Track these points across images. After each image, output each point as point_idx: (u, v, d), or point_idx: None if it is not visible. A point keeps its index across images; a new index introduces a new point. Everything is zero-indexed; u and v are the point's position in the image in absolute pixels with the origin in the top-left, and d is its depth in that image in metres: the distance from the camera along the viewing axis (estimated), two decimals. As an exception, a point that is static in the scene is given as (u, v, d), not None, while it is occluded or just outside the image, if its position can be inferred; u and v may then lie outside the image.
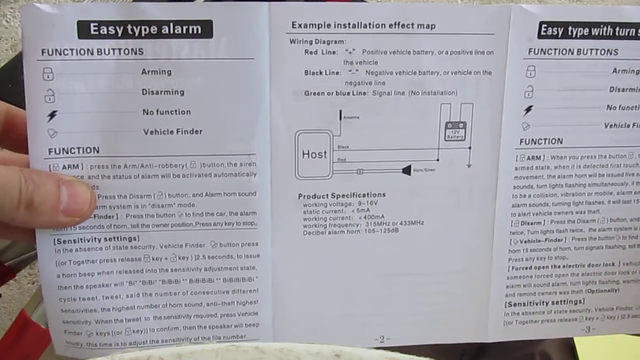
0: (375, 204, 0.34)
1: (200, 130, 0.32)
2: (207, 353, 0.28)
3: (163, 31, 0.31)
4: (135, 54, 0.31)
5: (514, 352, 0.55)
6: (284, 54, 0.32)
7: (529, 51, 0.33)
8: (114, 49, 0.31)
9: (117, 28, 0.31)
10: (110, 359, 0.29)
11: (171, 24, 0.31)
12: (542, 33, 0.33)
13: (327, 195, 0.34)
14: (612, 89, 0.34)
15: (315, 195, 0.34)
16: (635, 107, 0.35)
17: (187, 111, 0.32)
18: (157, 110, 0.32)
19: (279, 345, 0.28)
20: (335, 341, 0.35)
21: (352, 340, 0.36)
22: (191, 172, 0.33)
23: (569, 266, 0.36)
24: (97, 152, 0.32)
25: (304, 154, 0.33)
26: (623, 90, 0.34)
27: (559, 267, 0.36)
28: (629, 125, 0.35)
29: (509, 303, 0.36)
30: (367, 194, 0.34)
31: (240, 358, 0.27)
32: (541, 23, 0.33)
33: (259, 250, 0.34)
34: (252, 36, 0.32)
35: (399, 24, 0.32)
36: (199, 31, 0.31)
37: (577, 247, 0.36)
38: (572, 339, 0.54)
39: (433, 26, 0.33)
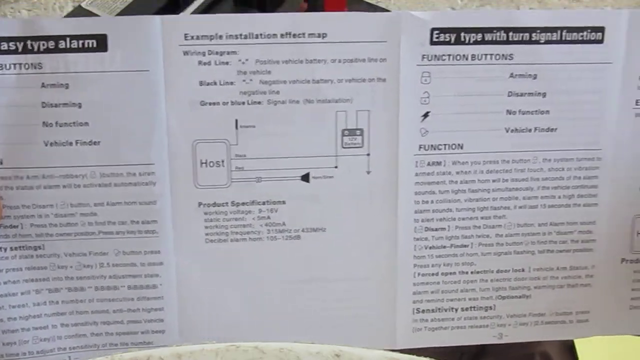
0: (276, 211, 0.35)
1: (99, 142, 0.33)
2: (207, 353, 0.28)
3: (60, 46, 0.32)
4: (35, 68, 0.32)
5: (514, 352, 0.54)
6: (178, 65, 0.33)
7: (423, 57, 0.34)
8: (14, 64, 0.32)
9: (17, 44, 0.32)
10: (110, 358, 0.29)
11: (68, 39, 0.32)
12: (435, 39, 0.34)
13: (226, 203, 0.34)
14: (510, 93, 0.35)
15: (215, 203, 0.34)
16: (535, 111, 0.35)
17: (85, 123, 0.33)
18: (57, 123, 0.33)
19: (279, 345, 0.28)
20: (243, 348, 0.35)
21: (261, 347, 0.36)
22: (91, 182, 0.33)
23: (477, 272, 0.36)
24: (1, 164, 0.33)
25: (202, 163, 0.34)
26: (521, 94, 0.35)
27: (466, 273, 0.36)
28: (530, 130, 0.35)
29: (417, 309, 0.36)
30: (267, 201, 0.35)
31: (240, 358, 0.28)
32: (433, 29, 0.34)
33: (162, 258, 0.35)
34: (146, 49, 0.33)
35: (290, 33, 0.33)
36: (95, 45, 0.32)
37: (485, 252, 0.36)
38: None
39: (324, 35, 0.33)
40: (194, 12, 0.73)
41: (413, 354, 0.31)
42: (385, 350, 0.31)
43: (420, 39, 0.34)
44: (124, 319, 0.35)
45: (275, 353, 0.28)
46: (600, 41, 0.34)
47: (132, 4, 0.75)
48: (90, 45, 0.32)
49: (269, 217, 0.35)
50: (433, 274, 0.36)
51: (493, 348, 0.50)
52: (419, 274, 0.36)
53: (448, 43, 0.34)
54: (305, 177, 0.34)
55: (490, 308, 0.37)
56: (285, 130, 0.34)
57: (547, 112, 0.35)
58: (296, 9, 0.81)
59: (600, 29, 0.34)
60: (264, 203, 0.35)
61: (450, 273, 0.36)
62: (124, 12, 0.74)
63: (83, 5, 0.78)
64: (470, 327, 0.37)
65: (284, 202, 0.35)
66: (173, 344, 0.34)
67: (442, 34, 0.34)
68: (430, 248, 0.36)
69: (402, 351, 0.29)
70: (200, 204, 0.34)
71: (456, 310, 0.37)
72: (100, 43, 0.32)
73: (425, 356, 0.31)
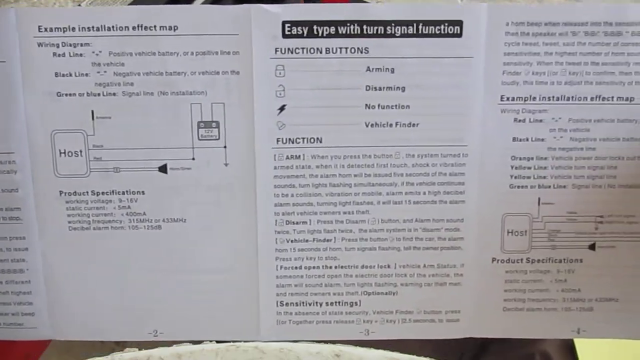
0: (136, 201, 0.35)
1: None
2: (207, 353, 0.29)
3: None
4: None
5: (514, 352, 0.54)
6: (34, 56, 0.34)
7: (276, 51, 0.34)
8: None
9: None
10: (110, 358, 0.31)
11: None
12: (287, 32, 0.33)
13: (87, 192, 0.35)
14: (367, 87, 0.34)
15: (75, 192, 0.35)
16: (395, 106, 0.34)
17: None
18: None
19: (279, 345, 0.29)
20: (111, 332, 0.36)
21: (127, 333, 0.37)
22: None
23: (342, 267, 0.36)
24: None
25: (60, 152, 0.35)
26: (380, 89, 0.34)
27: (330, 267, 0.36)
28: (391, 125, 0.35)
29: (280, 302, 0.36)
30: (126, 191, 0.35)
31: (240, 358, 0.29)
32: (284, 22, 0.33)
33: (27, 244, 0.36)
34: (2, 40, 0.33)
35: (141, 26, 0.33)
36: (-46, 36, 0.33)
37: (348, 247, 0.36)
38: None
39: (176, 27, 0.33)
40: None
41: (413, 354, 0.31)
42: (385, 351, 0.31)
43: (273, 32, 0.33)
44: (-6, 301, 0.36)
45: (275, 353, 0.28)
46: (459, 35, 0.33)
47: (131, 5, 0.77)
48: (-50, 37, 0.34)
49: (129, 207, 0.35)
50: (296, 268, 0.36)
51: (493, 348, 0.50)
52: (281, 267, 0.36)
53: (301, 36, 0.34)
54: (163, 169, 0.35)
55: (356, 304, 0.36)
56: (141, 122, 0.34)
57: (408, 106, 0.34)
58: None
59: (458, 23, 0.33)
60: (123, 193, 0.35)
61: (314, 267, 0.36)
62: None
63: (83, 5, 0.79)
64: (336, 322, 0.37)
65: (143, 193, 0.35)
66: (44, 327, 0.36)
67: (294, 27, 0.33)
68: (292, 242, 0.36)
69: (403, 351, 0.29)
70: (61, 192, 0.35)
71: (321, 304, 0.36)
72: (-41, 34, 0.33)
73: (426, 356, 0.31)
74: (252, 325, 0.37)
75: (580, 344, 0.53)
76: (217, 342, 0.37)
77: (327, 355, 0.27)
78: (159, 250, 0.36)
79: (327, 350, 0.28)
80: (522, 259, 0.36)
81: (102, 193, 0.35)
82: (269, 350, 0.28)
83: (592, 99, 0.34)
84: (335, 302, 0.36)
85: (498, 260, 0.36)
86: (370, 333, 0.37)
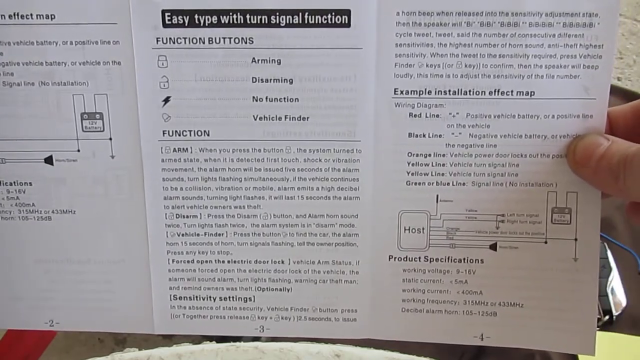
0: (24, 192, 0.35)
1: None
2: (207, 353, 0.29)
3: None
4: None
5: (515, 352, 0.53)
6: None
7: (157, 40, 0.32)
8: None
9: None
10: (111, 358, 0.31)
11: None
12: (167, 22, 0.32)
13: None
14: (254, 79, 0.33)
15: None
16: (283, 99, 0.33)
17: None
18: None
19: (279, 345, 0.29)
20: (6, 321, 0.36)
21: (22, 323, 0.37)
22: None
23: (235, 262, 0.35)
24: None
25: None
26: (267, 80, 0.33)
27: (223, 262, 0.35)
28: (280, 118, 0.33)
29: (173, 296, 0.36)
30: (14, 182, 0.35)
31: (240, 358, 0.29)
32: (164, 11, 0.32)
33: None
34: None
35: (18, 14, 0.32)
36: None
37: (241, 242, 0.35)
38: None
39: (53, 16, 0.32)
40: None
41: (413, 354, 0.30)
42: (385, 351, 0.30)
43: (153, 21, 0.32)
44: None
45: (275, 353, 0.28)
46: (347, 25, 0.32)
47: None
48: None
49: (18, 198, 0.35)
50: (188, 262, 0.35)
51: (493, 348, 0.49)
52: (173, 261, 0.35)
53: (182, 25, 0.32)
54: (49, 160, 0.34)
55: (250, 299, 0.36)
56: (24, 113, 0.34)
57: (296, 99, 0.33)
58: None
59: (346, 12, 0.32)
60: (11, 184, 0.35)
61: (206, 261, 0.35)
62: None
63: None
64: (230, 318, 0.36)
65: (30, 184, 0.35)
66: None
67: (174, 16, 0.32)
68: (183, 235, 0.35)
69: (403, 351, 0.28)
70: (-50, 182, 0.35)
71: (214, 299, 0.36)
72: None
73: (426, 355, 0.31)
74: (146, 319, 0.36)
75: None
76: (217, 342, 0.37)
77: (327, 355, 0.27)
78: (50, 241, 0.35)
79: (327, 350, 0.27)
80: (419, 257, 0.35)
81: None
82: (269, 350, 0.27)
83: (490, 93, 0.32)
84: (229, 298, 0.36)
85: (395, 257, 0.35)
86: (265, 330, 0.36)
